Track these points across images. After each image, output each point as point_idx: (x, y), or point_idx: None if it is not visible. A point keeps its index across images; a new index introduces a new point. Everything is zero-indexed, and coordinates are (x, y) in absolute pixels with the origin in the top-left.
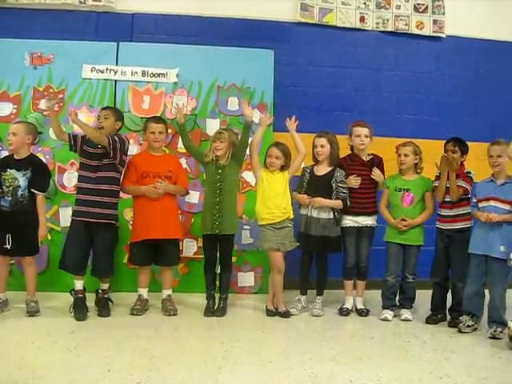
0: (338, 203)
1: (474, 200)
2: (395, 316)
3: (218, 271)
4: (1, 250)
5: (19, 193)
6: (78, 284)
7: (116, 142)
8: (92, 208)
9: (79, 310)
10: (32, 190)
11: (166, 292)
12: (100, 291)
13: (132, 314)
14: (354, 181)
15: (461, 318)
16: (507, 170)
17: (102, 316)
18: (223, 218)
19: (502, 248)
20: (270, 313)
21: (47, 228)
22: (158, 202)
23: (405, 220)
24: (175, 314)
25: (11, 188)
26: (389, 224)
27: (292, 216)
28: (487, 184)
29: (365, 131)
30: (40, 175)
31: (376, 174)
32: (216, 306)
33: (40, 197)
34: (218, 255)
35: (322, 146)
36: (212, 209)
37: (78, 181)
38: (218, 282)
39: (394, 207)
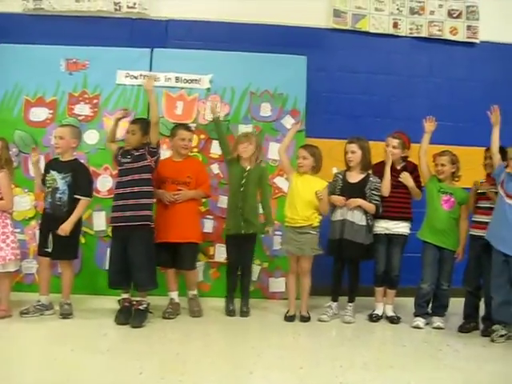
0: (372, 206)
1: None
2: (427, 324)
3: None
4: (42, 251)
5: (57, 195)
6: (125, 294)
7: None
8: (126, 212)
9: (122, 315)
10: (75, 195)
11: (192, 292)
12: (135, 302)
13: (164, 318)
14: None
15: (493, 327)
16: None
17: (133, 327)
18: (247, 219)
19: None
20: (302, 318)
21: (82, 232)
22: (178, 206)
23: None
24: (200, 316)
25: (50, 189)
26: (424, 219)
27: (316, 224)
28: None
29: (393, 142)
30: (82, 180)
31: (403, 176)
32: (240, 309)
33: (82, 201)
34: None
35: (352, 152)
36: (235, 210)
37: (115, 188)
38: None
39: (432, 207)
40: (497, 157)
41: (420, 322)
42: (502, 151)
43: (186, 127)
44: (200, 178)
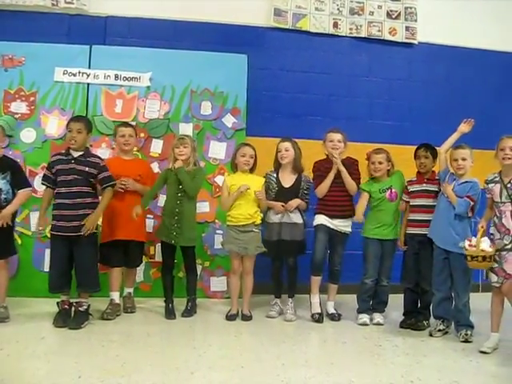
0: (305, 204)
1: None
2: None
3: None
4: None
5: (2, 197)
6: (64, 297)
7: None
8: (71, 222)
9: (61, 317)
10: (19, 190)
11: (129, 290)
12: (74, 303)
13: (103, 319)
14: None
15: (432, 322)
16: (469, 173)
17: (70, 328)
18: (182, 230)
19: (461, 244)
20: (244, 317)
21: (17, 232)
22: (124, 205)
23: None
24: (133, 312)
25: None
26: (367, 219)
27: (259, 222)
28: (452, 182)
29: (337, 136)
30: (20, 174)
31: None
32: (184, 308)
33: (25, 191)
34: (175, 259)
35: (286, 150)
36: (171, 217)
37: (55, 197)
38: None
39: (377, 207)
40: (443, 156)
41: (366, 318)
42: (434, 150)
43: (125, 124)
44: (150, 178)
